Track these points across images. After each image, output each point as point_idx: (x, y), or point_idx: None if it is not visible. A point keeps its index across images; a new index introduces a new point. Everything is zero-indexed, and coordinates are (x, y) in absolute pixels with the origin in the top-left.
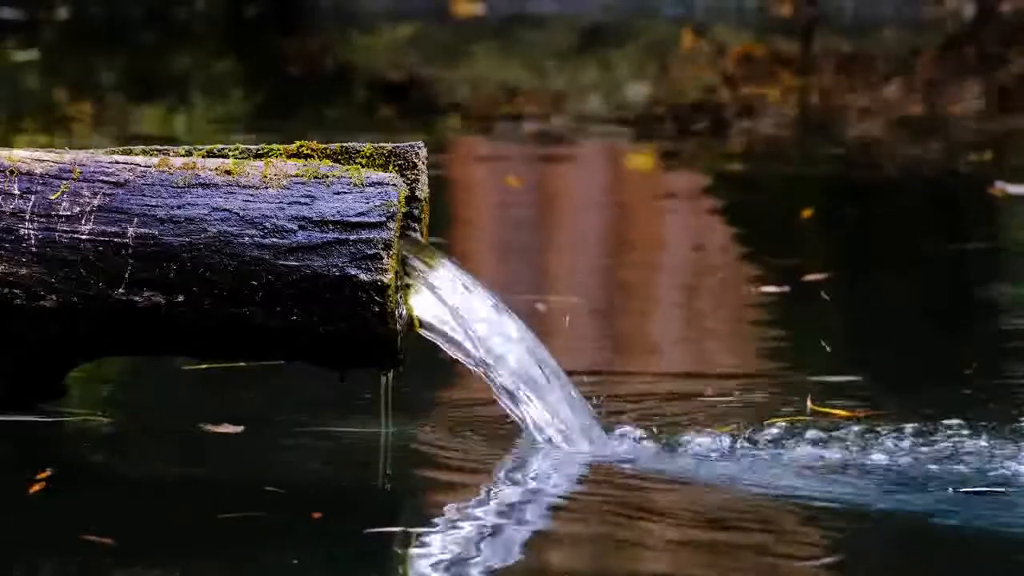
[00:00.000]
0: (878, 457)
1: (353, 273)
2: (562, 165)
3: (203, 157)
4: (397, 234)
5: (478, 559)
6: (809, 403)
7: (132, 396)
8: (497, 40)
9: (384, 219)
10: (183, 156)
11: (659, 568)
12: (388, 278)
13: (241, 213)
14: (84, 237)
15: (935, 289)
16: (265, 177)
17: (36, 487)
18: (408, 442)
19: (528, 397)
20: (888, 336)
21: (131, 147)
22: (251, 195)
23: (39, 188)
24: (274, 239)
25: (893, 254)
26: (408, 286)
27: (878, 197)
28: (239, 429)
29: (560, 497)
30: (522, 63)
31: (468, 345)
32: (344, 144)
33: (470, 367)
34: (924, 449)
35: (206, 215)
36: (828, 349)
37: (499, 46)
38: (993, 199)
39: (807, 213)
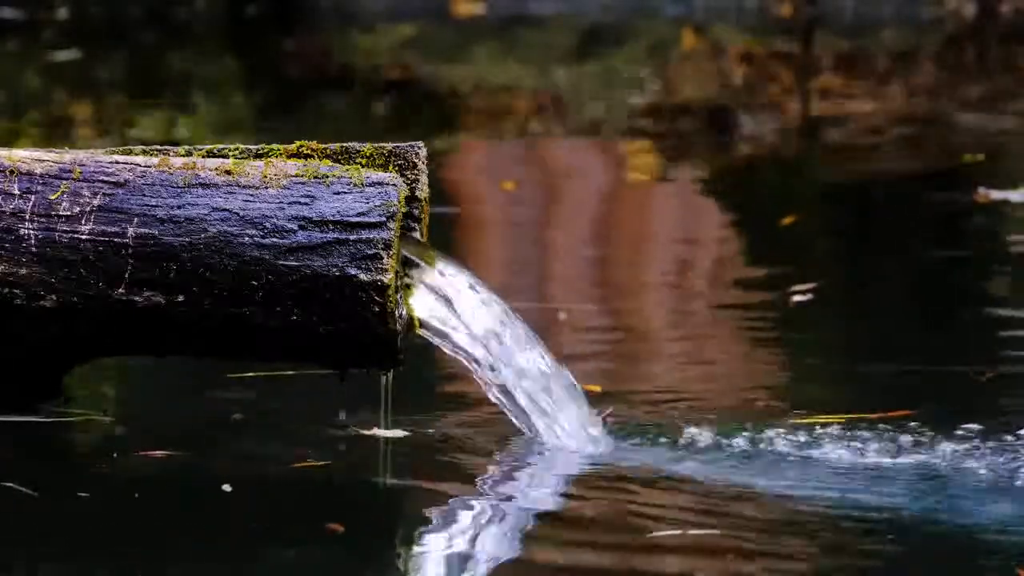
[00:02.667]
0: (885, 459)
1: (353, 273)
2: (561, 167)
3: (203, 157)
4: (397, 234)
5: (478, 558)
6: (791, 411)
7: (131, 395)
8: (497, 40)
9: (384, 219)
10: (183, 156)
11: (659, 568)
12: (388, 278)
13: (241, 213)
14: (84, 237)
15: (921, 294)
16: (265, 177)
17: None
18: (408, 442)
19: (528, 397)
20: (886, 340)
21: (131, 147)
22: (251, 195)
23: (39, 188)
24: (274, 239)
25: (881, 259)
26: (408, 286)
27: (871, 200)
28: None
29: (560, 497)
30: (522, 63)
31: (468, 345)
32: (344, 144)
33: (470, 367)
34: (931, 451)
35: (206, 215)
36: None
37: (499, 46)
38: (978, 204)
39: (790, 219)
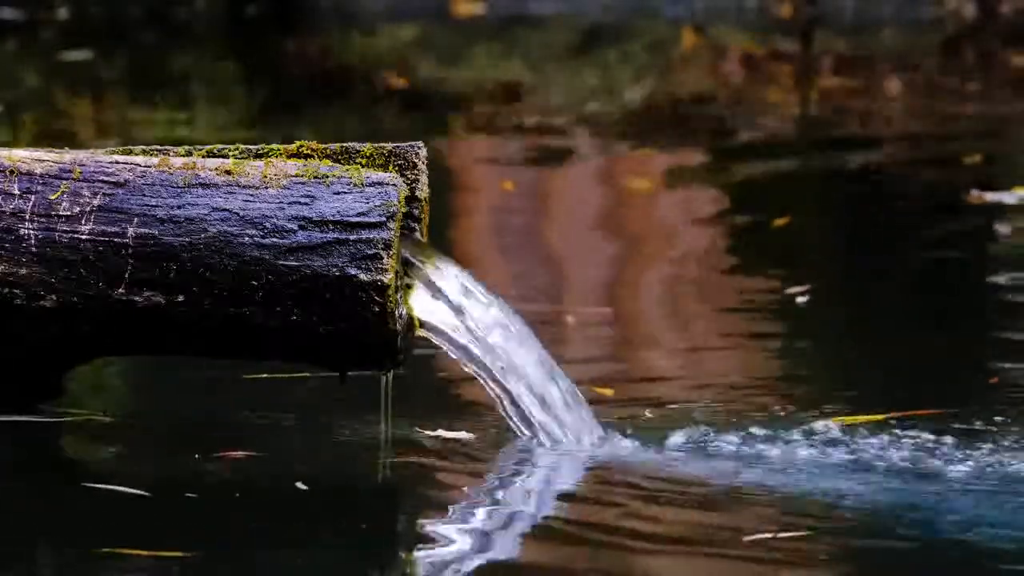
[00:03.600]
0: (898, 460)
1: (353, 273)
2: (561, 167)
3: (203, 157)
4: (397, 234)
5: (478, 559)
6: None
7: (132, 396)
8: (497, 40)
9: (384, 219)
10: (183, 156)
11: (659, 568)
12: (388, 278)
13: (241, 213)
14: (84, 237)
15: (917, 296)
16: (265, 177)
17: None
18: (408, 442)
19: (528, 397)
20: (889, 340)
21: (131, 147)
22: (251, 195)
23: (39, 188)
24: (274, 239)
25: (875, 261)
26: (408, 286)
27: (866, 201)
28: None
29: (560, 497)
30: (522, 63)
31: (468, 345)
32: (344, 144)
33: (470, 367)
34: (941, 451)
35: (206, 215)
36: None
37: (499, 46)
38: (970, 206)
39: (783, 220)
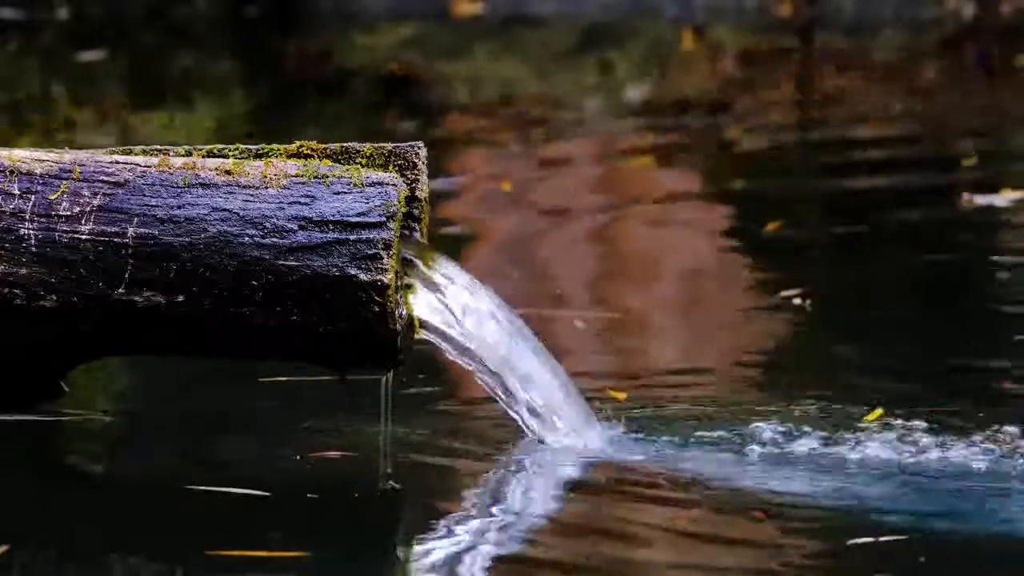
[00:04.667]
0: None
1: (353, 273)
2: (560, 167)
3: (203, 157)
4: (397, 234)
5: (478, 559)
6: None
7: (132, 396)
8: (497, 40)
9: (384, 219)
10: (183, 156)
11: (659, 565)
12: (388, 278)
13: (241, 213)
14: (84, 237)
15: (913, 298)
16: (265, 177)
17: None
18: (408, 441)
19: (528, 396)
20: (891, 341)
21: (131, 147)
22: (251, 195)
23: (39, 188)
24: (274, 239)
25: (871, 263)
26: (408, 286)
27: (863, 203)
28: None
29: (560, 496)
30: (522, 63)
31: (468, 345)
32: (344, 144)
33: (470, 367)
34: (946, 450)
35: (206, 215)
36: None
37: (499, 46)
38: (962, 209)
39: (776, 224)
